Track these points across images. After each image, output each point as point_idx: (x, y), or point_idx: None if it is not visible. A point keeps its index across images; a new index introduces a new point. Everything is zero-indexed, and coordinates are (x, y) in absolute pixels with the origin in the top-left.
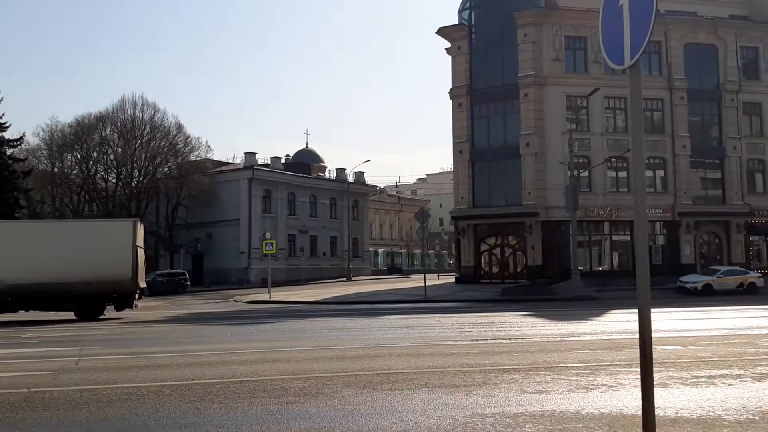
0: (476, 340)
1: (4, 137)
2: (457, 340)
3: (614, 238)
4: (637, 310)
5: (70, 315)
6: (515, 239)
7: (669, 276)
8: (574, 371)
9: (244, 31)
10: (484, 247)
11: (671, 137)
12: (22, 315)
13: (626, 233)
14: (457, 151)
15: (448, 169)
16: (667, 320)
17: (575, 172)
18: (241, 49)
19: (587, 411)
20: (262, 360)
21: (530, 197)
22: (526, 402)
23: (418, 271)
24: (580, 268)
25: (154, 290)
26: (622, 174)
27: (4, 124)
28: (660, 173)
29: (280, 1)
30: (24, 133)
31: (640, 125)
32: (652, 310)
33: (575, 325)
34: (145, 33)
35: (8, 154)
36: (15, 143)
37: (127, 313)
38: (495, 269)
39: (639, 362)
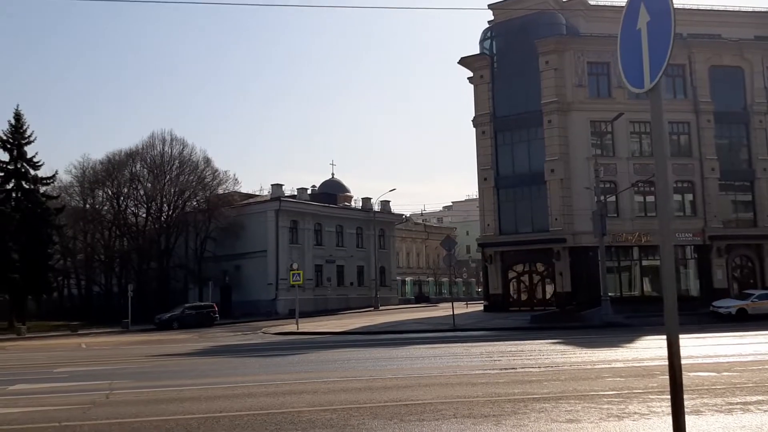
0: (505, 368)
1: (37, 175)
2: (485, 369)
3: (644, 263)
4: None
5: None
6: (543, 266)
7: (702, 301)
8: (605, 399)
9: (270, 66)
10: (511, 274)
11: (699, 160)
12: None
13: (656, 258)
14: (482, 179)
15: (474, 197)
16: (700, 346)
17: (602, 198)
18: (267, 83)
19: None
20: (290, 392)
21: (557, 223)
22: (557, 431)
23: (446, 300)
24: (609, 294)
25: (183, 323)
26: (650, 198)
27: (38, 162)
28: (689, 197)
29: (306, 36)
30: (57, 171)
31: (663, 148)
32: (685, 336)
33: (606, 353)
34: (175, 68)
35: (42, 191)
36: (48, 181)
37: (156, 348)
38: (523, 296)
39: (670, 391)
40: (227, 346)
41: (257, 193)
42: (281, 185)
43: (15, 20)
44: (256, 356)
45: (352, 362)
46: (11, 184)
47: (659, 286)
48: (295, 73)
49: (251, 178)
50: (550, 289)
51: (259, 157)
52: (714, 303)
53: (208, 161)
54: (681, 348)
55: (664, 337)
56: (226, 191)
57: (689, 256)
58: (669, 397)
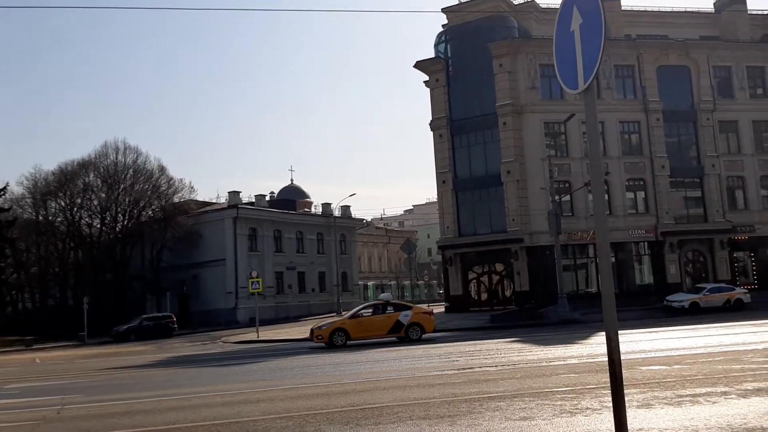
0: (463, 368)
1: None
2: (443, 370)
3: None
4: (626, 332)
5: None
6: (502, 266)
7: (656, 295)
8: (559, 396)
9: (222, 72)
10: (471, 275)
11: (650, 158)
12: None
13: (611, 255)
14: (441, 182)
15: (434, 200)
16: (653, 340)
17: (557, 197)
18: (221, 90)
19: None
20: (246, 401)
21: (514, 224)
22: (510, 429)
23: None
24: (567, 291)
25: (141, 335)
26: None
27: None
28: (641, 194)
29: (260, 41)
30: (7, 183)
31: (597, 148)
32: (639, 330)
33: (561, 349)
34: (126, 76)
35: None
36: None
37: (112, 360)
38: (483, 297)
39: (610, 386)
40: (185, 356)
41: (214, 201)
42: (238, 192)
43: None
44: (213, 366)
45: (311, 368)
46: None
47: (615, 282)
48: (250, 79)
49: (208, 185)
50: (509, 289)
51: (216, 164)
52: (668, 297)
53: (162, 169)
54: (635, 343)
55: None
56: (182, 199)
57: (643, 252)
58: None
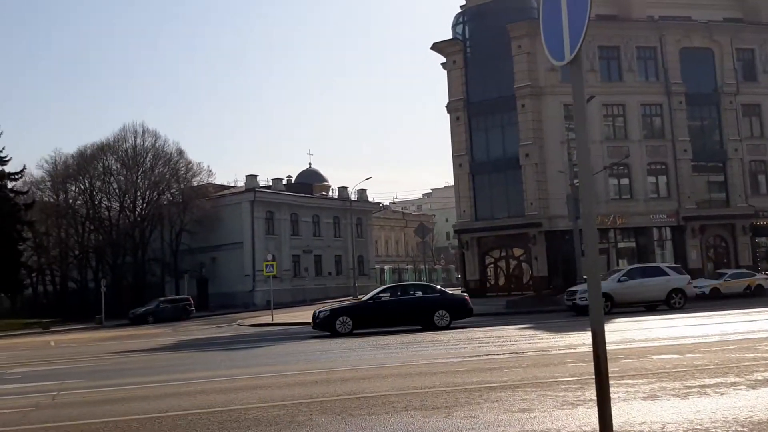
0: (469, 356)
1: (4, 171)
2: (449, 358)
3: (620, 245)
4: (643, 318)
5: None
6: (519, 251)
7: None
8: (563, 386)
9: (242, 55)
10: (488, 260)
11: (672, 142)
12: None
13: (632, 240)
14: (457, 165)
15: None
16: (668, 327)
17: (575, 181)
18: (240, 73)
19: (569, 429)
20: (244, 387)
21: (532, 208)
22: (507, 422)
23: None
24: (585, 277)
25: (159, 317)
26: (624, 181)
27: (5, 157)
28: (663, 179)
29: (278, 24)
30: (25, 166)
31: (584, 122)
32: (655, 317)
33: (573, 337)
34: (144, 59)
35: (9, 187)
36: (16, 176)
37: (126, 344)
38: (501, 282)
39: (595, 382)
40: (197, 339)
41: (232, 185)
42: (256, 176)
43: None
44: (222, 350)
45: (316, 354)
46: None
47: None
48: (270, 63)
49: (225, 169)
50: (527, 274)
51: (234, 148)
52: None
53: (181, 153)
54: (650, 330)
55: (636, 318)
56: (200, 183)
57: (665, 237)
58: (628, 381)
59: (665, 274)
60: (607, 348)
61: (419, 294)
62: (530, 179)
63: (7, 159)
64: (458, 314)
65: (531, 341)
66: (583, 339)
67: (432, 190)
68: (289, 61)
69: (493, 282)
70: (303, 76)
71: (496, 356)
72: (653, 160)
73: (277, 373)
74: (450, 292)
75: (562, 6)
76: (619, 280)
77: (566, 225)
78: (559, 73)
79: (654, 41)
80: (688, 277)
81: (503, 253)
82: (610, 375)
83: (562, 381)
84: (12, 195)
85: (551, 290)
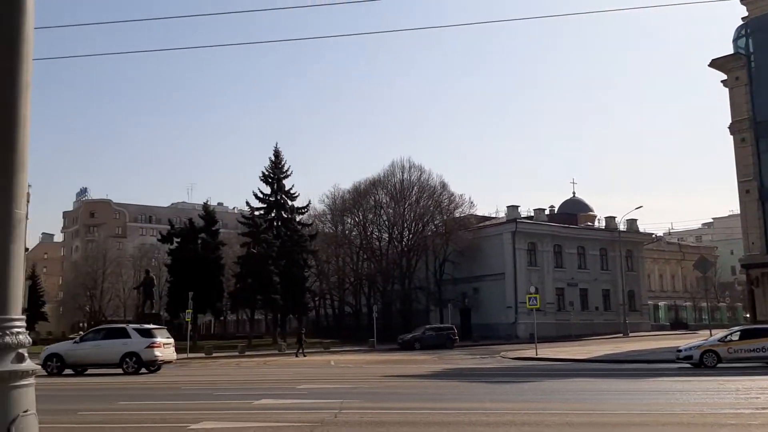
0: (764, 408)
1: (294, 205)
2: (737, 408)
3: None
4: None
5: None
6: None
7: None
8: None
9: (500, 86)
10: None
11: None
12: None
13: None
14: (744, 191)
15: (738, 212)
16: None
17: None
18: (500, 103)
19: None
20: (511, 422)
21: None
22: None
23: (706, 327)
24: None
25: (424, 344)
26: None
27: (294, 194)
28: None
29: (544, 61)
30: (309, 201)
31: None
32: None
33: None
34: (412, 96)
35: (297, 220)
36: (303, 210)
37: (395, 368)
38: None
39: None
40: (461, 369)
41: (493, 216)
42: (517, 206)
43: (275, 57)
44: (486, 382)
45: (586, 393)
46: (272, 214)
47: None
48: (533, 96)
49: (486, 202)
50: None
51: (495, 178)
52: None
53: (444, 186)
54: None
55: None
56: (462, 214)
57: None
58: None
59: None
60: None
61: None
62: None
63: (296, 195)
64: None
65: None
66: None
67: (713, 219)
68: (557, 91)
69: None
70: (564, 102)
71: None
72: None
73: (543, 411)
74: None
75: None
76: None
77: None
78: None
79: None
80: None
81: None
82: None
83: None
84: (299, 227)
85: None
